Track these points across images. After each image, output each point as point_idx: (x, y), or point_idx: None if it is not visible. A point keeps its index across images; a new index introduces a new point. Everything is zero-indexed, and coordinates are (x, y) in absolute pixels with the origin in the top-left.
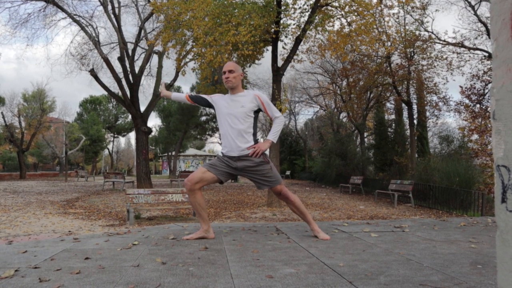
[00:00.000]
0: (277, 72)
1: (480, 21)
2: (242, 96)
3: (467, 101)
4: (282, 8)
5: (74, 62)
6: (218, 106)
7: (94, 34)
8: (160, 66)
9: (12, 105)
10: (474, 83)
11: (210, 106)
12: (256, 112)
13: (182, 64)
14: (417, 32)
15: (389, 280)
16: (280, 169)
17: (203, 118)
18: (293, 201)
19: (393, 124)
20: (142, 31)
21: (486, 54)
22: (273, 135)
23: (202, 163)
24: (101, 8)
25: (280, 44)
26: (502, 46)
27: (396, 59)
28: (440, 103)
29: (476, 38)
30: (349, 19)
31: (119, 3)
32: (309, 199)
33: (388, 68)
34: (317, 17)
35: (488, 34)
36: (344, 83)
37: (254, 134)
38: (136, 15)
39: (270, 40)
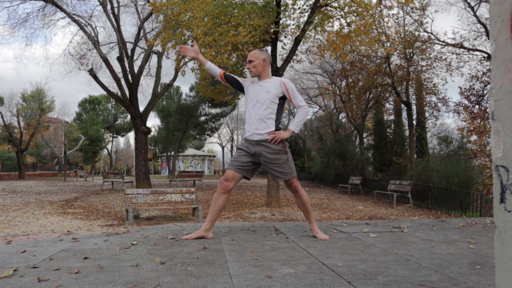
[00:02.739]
0: (277, 72)
1: (480, 22)
2: (269, 82)
3: (466, 102)
4: (282, 8)
5: (73, 61)
6: (247, 91)
7: (93, 34)
8: (159, 66)
9: (11, 104)
10: (473, 84)
11: (241, 89)
12: (282, 99)
13: (181, 64)
14: (416, 33)
15: (388, 280)
16: None
17: (202, 118)
18: (301, 196)
19: (392, 125)
20: (142, 31)
21: (485, 55)
22: (295, 125)
23: (201, 163)
24: (100, 7)
25: (279, 44)
26: (501, 47)
27: (395, 59)
28: (439, 104)
29: (475, 39)
30: (348, 20)
31: (118, 2)
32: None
33: (388, 68)
34: (316, 18)
35: (488, 35)
36: (344, 83)
37: (277, 121)
38: (136, 15)
39: (269, 40)
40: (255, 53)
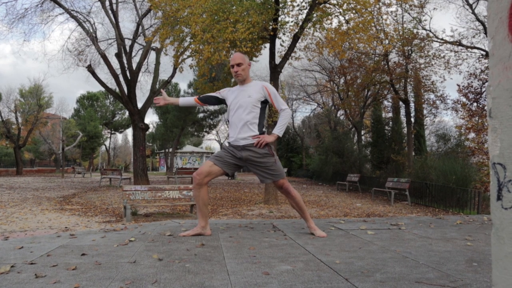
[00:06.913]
0: (275, 69)
1: (478, 19)
2: (250, 86)
3: (464, 99)
4: (280, 5)
5: (71, 58)
6: (228, 98)
7: (91, 30)
8: (157, 63)
9: (9, 100)
10: (471, 82)
11: (221, 102)
12: (264, 103)
13: (179, 61)
14: (415, 31)
15: (385, 277)
16: None
17: (201, 115)
18: (293, 196)
19: (391, 122)
20: (140, 27)
21: (484, 53)
22: (279, 129)
23: (199, 160)
24: (98, 3)
25: (278, 41)
26: (499, 45)
27: (393, 57)
28: (438, 102)
29: (473, 36)
30: (347, 17)
31: None
32: (306, 197)
33: (386, 66)
34: (315, 15)
35: (486, 33)
36: (342, 80)
37: (260, 125)
38: (134, 11)
39: (268, 37)
40: (241, 56)
